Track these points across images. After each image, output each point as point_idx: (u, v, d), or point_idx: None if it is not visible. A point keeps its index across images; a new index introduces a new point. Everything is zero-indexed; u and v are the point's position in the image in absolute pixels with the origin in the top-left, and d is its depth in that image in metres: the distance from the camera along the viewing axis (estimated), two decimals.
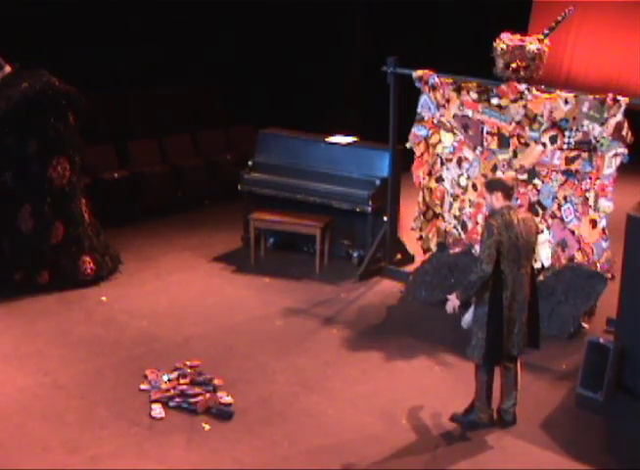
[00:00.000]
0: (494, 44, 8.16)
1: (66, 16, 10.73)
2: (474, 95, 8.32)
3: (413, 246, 9.47)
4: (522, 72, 8.04)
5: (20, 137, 8.57)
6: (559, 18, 8.35)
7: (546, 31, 8.27)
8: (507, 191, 6.12)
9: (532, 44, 8.05)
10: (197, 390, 6.76)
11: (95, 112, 8.98)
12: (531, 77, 8.07)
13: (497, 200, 6.09)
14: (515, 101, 8.10)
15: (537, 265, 7.81)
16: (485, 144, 8.39)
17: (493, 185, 6.13)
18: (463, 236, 8.70)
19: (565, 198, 8.02)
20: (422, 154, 8.78)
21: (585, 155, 7.86)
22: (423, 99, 8.66)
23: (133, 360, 7.32)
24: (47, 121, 8.62)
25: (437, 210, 8.84)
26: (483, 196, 6.13)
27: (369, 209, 9.50)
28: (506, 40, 8.12)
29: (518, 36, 8.17)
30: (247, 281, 9.17)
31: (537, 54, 8.03)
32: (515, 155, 8.24)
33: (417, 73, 8.64)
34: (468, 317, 6.45)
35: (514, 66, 8.01)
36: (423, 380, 7.22)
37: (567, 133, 7.91)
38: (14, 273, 8.62)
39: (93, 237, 9.00)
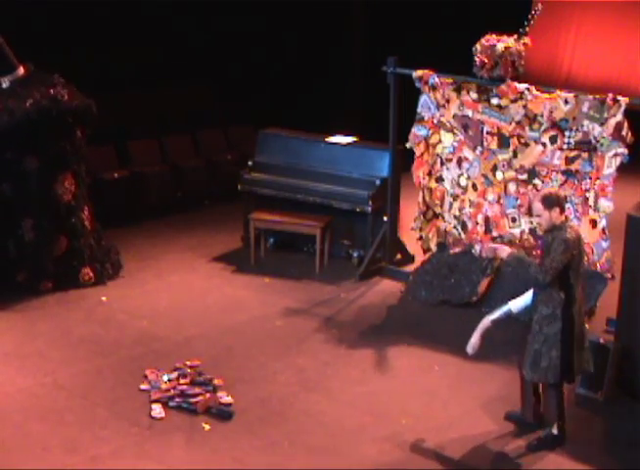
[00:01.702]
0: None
1: (66, 16, 10.73)
2: (474, 95, 8.33)
3: (413, 246, 9.47)
4: (490, 70, 8.07)
5: (18, 153, 8.43)
6: (529, 16, 8.37)
7: (520, 31, 8.30)
8: (563, 206, 6.12)
9: (502, 43, 8.07)
10: (197, 390, 6.75)
11: (96, 110, 8.93)
12: (502, 76, 8.08)
13: (557, 215, 6.04)
14: (515, 101, 8.10)
15: None
16: (485, 144, 8.39)
17: (553, 201, 6.04)
18: (463, 236, 8.69)
19: (565, 198, 8.01)
20: (422, 154, 8.78)
21: (585, 155, 7.86)
22: (423, 99, 8.66)
23: (133, 360, 7.32)
24: (50, 141, 8.45)
25: (437, 210, 8.84)
26: (538, 213, 6.10)
27: (369, 209, 9.50)
28: (482, 40, 8.16)
29: (499, 37, 8.19)
30: (247, 281, 9.17)
31: (504, 52, 8.03)
32: (515, 155, 8.24)
33: (417, 73, 8.64)
34: (474, 341, 6.35)
35: (482, 63, 8.05)
36: (423, 380, 7.22)
37: (567, 133, 7.91)
38: (17, 274, 8.61)
39: (94, 245, 8.93)
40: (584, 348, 6.19)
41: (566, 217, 6.20)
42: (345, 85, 13.79)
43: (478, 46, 8.16)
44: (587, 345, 6.23)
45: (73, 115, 8.58)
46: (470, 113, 8.39)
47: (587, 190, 7.90)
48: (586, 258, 7.94)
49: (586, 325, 7.97)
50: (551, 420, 6.31)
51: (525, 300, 6.36)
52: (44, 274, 8.60)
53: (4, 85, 8.56)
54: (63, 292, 8.60)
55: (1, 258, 8.59)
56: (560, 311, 6.02)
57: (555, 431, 6.29)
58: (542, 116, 7.99)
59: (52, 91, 8.49)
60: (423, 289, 8.76)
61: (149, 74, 11.66)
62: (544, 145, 8.05)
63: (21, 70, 8.65)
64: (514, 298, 6.49)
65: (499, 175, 8.37)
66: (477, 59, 8.16)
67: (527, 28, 8.30)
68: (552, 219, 6.04)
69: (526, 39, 8.20)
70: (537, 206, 6.08)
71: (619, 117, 7.65)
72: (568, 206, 7.97)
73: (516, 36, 8.20)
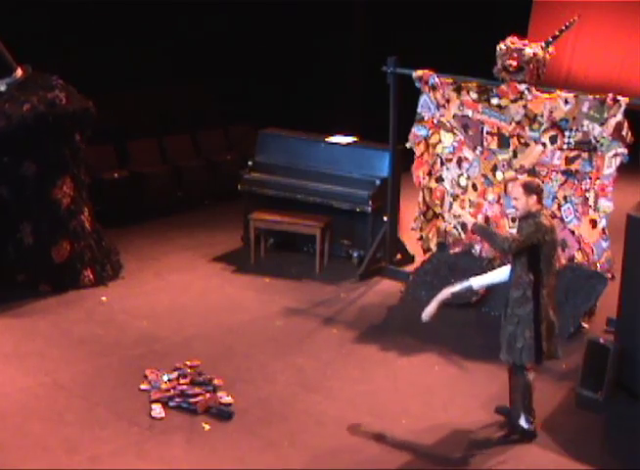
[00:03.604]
0: (498, 46, 8.17)
1: (66, 16, 10.74)
2: (474, 95, 8.33)
3: (413, 246, 9.47)
4: (515, 74, 8.05)
5: (16, 158, 8.34)
6: (563, 27, 8.35)
7: (550, 39, 8.26)
8: (541, 195, 6.22)
9: (530, 48, 8.05)
10: (197, 390, 6.75)
11: (95, 111, 8.91)
12: (525, 81, 8.07)
13: (533, 202, 6.13)
14: (515, 101, 8.10)
15: None
16: (485, 144, 8.40)
17: (532, 188, 6.14)
18: (463, 236, 8.70)
19: (565, 198, 8.02)
20: (422, 154, 8.79)
21: (585, 155, 7.87)
22: (423, 99, 8.66)
23: (133, 360, 7.32)
24: (48, 146, 8.36)
25: (437, 210, 8.85)
26: (516, 196, 6.18)
27: (369, 209, 9.50)
28: (508, 42, 8.13)
29: (524, 41, 8.16)
30: (247, 281, 9.17)
31: (532, 58, 8.01)
32: (515, 155, 8.25)
33: (417, 73, 8.64)
34: (430, 309, 6.45)
35: (508, 66, 8.03)
36: (423, 380, 7.22)
37: (567, 133, 7.91)
38: (17, 275, 8.60)
39: (94, 247, 8.88)
40: (554, 335, 6.24)
41: (542, 207, 6.24)
42: (346, 85, 13.80)
43: (502, 47, 8.10)
44: (557, 333, 6.29)
45: (71, 119, 8.47)
46: (470, 113, 8.39)
47: (587, 190, 7.90)
48: (586, 258, 7.97)
49: (585, 325, 8.04)
50: (518, 408, 6.30)
51: (487, 278, 6.53)
52: (44, 277, 8.58)
53: (1, 88, 8.44)
54: (63, 292, 8.60)
55: (1, 259, 8.57)
56: (530, 293, 6.13)
57: (525, 425, 6.30)
58: (542, 116, 7.99)
59: (49, 95, 8.35)
60: (423, 289, 8.76)
61: (149, 74, 11.66)
62: (544, 145, 8.05)
63: (19, 73, 8.52)
64: None
65: (499, 175, 8.37)
66: (501, 61, 8.08)
67: (554, 39, 8.25)
68: (528, 205, 6.14)
69: (552, 48, 8.17)
70: (517, 190, 6.18)
71: (619, 117, 7.65)
72: (568, 206, 8.02)
73: (543, 44, 8.15)
